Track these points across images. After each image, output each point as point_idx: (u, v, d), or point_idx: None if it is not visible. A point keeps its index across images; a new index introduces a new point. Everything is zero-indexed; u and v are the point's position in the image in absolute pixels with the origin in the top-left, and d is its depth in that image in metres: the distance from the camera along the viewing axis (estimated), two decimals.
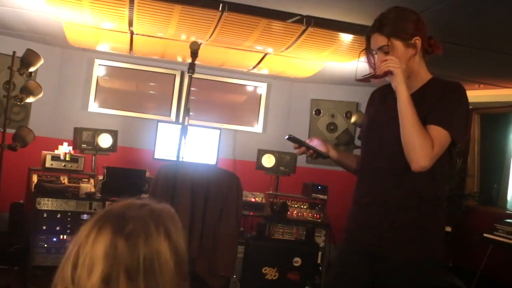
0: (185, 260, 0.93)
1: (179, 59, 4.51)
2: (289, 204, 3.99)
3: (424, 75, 1.79)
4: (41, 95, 3.69)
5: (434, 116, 1.65)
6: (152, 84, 5.07)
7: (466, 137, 1.74)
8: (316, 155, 1.88)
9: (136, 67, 4.95)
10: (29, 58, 3.62)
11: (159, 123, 4.47)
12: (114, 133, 4.23)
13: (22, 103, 3.74)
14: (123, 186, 3.82)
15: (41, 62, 3.73)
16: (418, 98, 1.70)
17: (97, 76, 4.91)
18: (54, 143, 4.19)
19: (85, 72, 4.88)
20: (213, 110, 5.12)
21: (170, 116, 5.02)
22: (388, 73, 1.68)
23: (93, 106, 4.90)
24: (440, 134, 1.63)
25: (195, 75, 4.99)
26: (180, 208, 3.19)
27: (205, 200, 3.39)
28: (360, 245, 1.80)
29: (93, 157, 4.19)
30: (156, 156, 4.44)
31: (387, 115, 1.76)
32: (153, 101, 5.04)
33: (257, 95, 5.27)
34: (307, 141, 1.91)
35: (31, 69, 3.70)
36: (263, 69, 4.48)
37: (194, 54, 2.20)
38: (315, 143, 1.91)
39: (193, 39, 3.60)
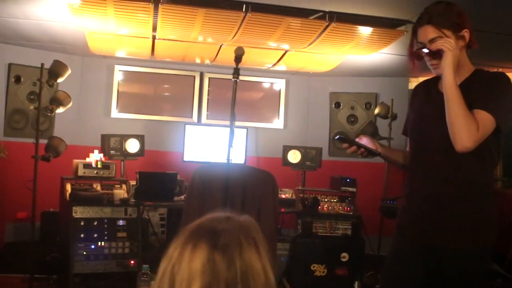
0: (271, 271, 0.94)
1: (198, 60, 4.54)
2: (319, 198, 4.00)
3: (468, 67, 1.83)
4: (70, 105, 3.74)
5: (479, 101, 1.69)
6: (172, 86, 5.11)
7: (511, 124, 1.77)
8: (367, 153, 1.92)
9: (156, 71, 5.00)
10: (57, 69, 3.68)
11: (186, 126, 4.53)
12: (141, 138, 4.28)
13: (52, 114, 3.82)
14: (155, 190, 3.87)
15: (69, 72, 3.79)
16: (464, 89, 1.73)
17: (118, 82, 4.96)
18: (81, 151, 4.28)
19: (106, 78, 4.93)
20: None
21: (192, 117, 5.06)
22: (441, 51, 1.70)
23: (115, 112, 4.96)
24: (485, 118, 1.66)
25: (212, 75, 5.22)
26: (217, 210, 3.18)
27: (242, 201, 3.32)
28: (415, 237, 1.81)
29: (122, 162, 4.23)
30: (185, 159, 4.49)
31: (434, 108, 1.80)
32: (174, 104, 5.08)
33: (275, 92, 5.30)
34: (357, 139, 1.95)
35: (59, 80, 3.78)
36: (282, 66, 4.48)
37: (238, 59, 2.22)
38: (365, 141, 1.95)
39: (214, 40, 3.62)
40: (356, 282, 3.45)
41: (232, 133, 2.47)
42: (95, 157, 3.93)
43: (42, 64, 3.58)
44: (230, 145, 2.50)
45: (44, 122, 4.45)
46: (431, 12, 1.74)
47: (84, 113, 4.88)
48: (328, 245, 3.59)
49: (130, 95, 5.04)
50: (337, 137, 1.90)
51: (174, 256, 0.90)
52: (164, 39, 3.70)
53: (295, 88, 5.27)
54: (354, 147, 1.91)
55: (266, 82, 5.22)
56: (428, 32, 1.74)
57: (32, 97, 4.53)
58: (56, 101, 3.69)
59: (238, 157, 4.50)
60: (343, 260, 3.54)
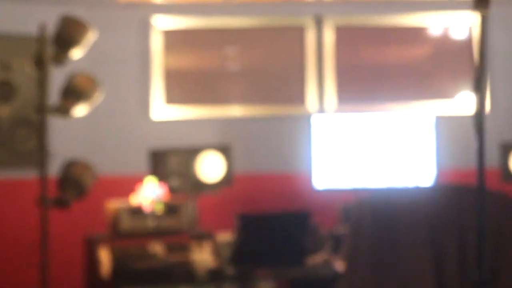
0: None
1: None
2: None
3: None
4: (97, 98, 3.68)
5: None
6: (263, 51, 5.13)
7: None
8: None
9: (230, 24, 5.01)
10: (70, 30, 3.54)
11: (312, 120, 4.54)
12: (224, 150, 4.28)
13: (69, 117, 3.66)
14: (270, 247, 3.87)
15: (90, 33, 3.61)
16: None
17: (162, 49, 4.92)
18: (113, 184, 4.37)
19: (139, 45, 4.90)
20: (379, 80, 5.12)
21: (303, 103, 5.00)
22: None
23: (161, 104, 4.92)
24: None
25: (341, 19, 5.09)
26: (421, 276, 3.04)
27: (461, 256, 3.08)
28: None
29: (191, 200, 4.21)
30: (318, 184, 4.47)
31: None
32: (267, 82, 5.11)
33: (456, 41, 5.18)
34: None
35: (76, 51, 3.58)
36: None
37: None
38: None
39: None
40: None
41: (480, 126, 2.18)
42: (149, 194, 4.01)
43: (43, 26, 3.50)
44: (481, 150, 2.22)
45: (27, 134, 4.46)
46: None
47: (104, 112, 4.63)
48: None
49: (187, 72, 5.08)
50: None
51: None
52: None
53: (501, 28, 4.98)
54: None
55: (439, 26, 5.15)
56: None
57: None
58: (74, 92, 3.57)
59: (420, 171, 4.52)
60: None
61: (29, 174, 3.80)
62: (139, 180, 4.11)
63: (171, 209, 3.99)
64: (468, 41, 5.24)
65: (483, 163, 2.34)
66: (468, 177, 3.87)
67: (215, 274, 3.78)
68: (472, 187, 3.70)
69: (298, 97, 5.05)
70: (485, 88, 2.30)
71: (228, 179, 4.32)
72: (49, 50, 3.53)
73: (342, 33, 5.05)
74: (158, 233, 3.96)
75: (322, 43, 5.00)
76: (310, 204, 4.43)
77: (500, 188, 4.16)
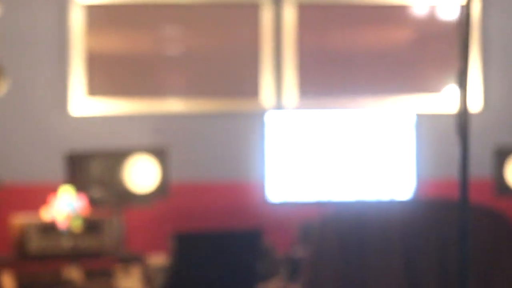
0: None
1: None
2: None
3: None
4: (3, 88, 3.76)
5: None
6: (210, 34, 5.14)
7: None
8: None
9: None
10: None
11: (266, 118, 4.50)
12: (159, 153, 4.26)
13: None
14: (214, 273, 3.85)
15: None
16: None
17: (83, 30, 4.94)
18: (22, 196, 4.39)
19: (56, 23, 4.90)
20: (350, 69, 5.19)
21: (256, 97, 5.03)
22: None
23: (82, 96, 4.93)
24: None
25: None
26: None
27: (442, 283, 3.16)
28: None
29: (116, 215, 4.18)
30: (272, 197, 4.46)
31: None
32: (213, 71, 5.14)
33: (444, 24, 5.24)
34: None
35: None
36: None
37: None
38: None
39: None
40: None
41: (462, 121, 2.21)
42: (62, 206, 3.95)
43: None
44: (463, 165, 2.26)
45: None
46: None
47: (11, 106, 4.74)
48: None
49: (114, 57, 5.10)
50: None
51: None
52: None
53: (498, 14, 5.14)
54: None
55: (424, 4, 5.25)
56: None
57: None
58: None
59: (396, 182, 4.55)
60: None
61: None
62: (52, 190, 4.06)
63: (92, 226, 3.97)
64: (459, 23, 5.15)
65: (466, 174, 2.35)
66: (455, 189, 3.91)
67: None
68: (458, 202, 3.79)
69: (250, 89, 5.07)
70: (467, 82, 2.30)
71: (163, 189, 4.30)
72: None
73: (305, 11, 5.06)
74: (75, 255, 3.93)
75: (281, 24, 5.01)
76: (262, 220, 4.43)
77: (493, 202, 4.20)
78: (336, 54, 5.15)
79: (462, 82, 2.28)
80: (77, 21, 4.97)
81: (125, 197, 4.30)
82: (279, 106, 5.01)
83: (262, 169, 4.59)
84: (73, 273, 3.91)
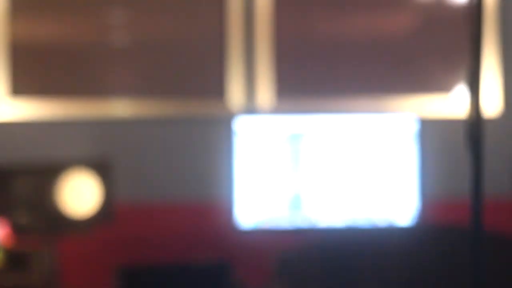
0: None
1: None
2: None
3: None
4: None
5: None
6: (159, 18, 5.18)
7: None
8: None
9: None
10: None
11: (235, 124, 4.56)
12: (100, 168, 4.29)
13: None
14: None
15: None
16: None
17: (4, 14, 4.99)
18: None
19: None
20: (337, 64, 5.24)
21: (222, 98, 5.08)
22: None
23: (3, 97, 4.99)
24: None
25: None
26: None
27: None
28: None
29: (47, 246, 4.18)
30: (242, 222, 4.53)
31: None
32: (169, 66, 5.17)
33: (455, 8, 5.32)
34: None
35: None
36: None
37: None
38: None
39: None
40: None
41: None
42: None
43: None
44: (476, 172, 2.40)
45: None
46: None
47: None
48: None
49: (44, 49, 5.09)
50: None
51: None
52: None
53: None
54: None
55: None
56: None
57: None
58: None
59: (394, 203, 4.63)
60: None
61: None
62: None
63: (16, 259, 3.97)
64: (472, 10, 5.23)
65: (480, 193, 2.38)
66: (466, 211, 3.94)
67: None
68: (470, 227, 3.82)
69: (215, 88, 5.12)
70: (479, 81, 2.33)
71: (106, 213, 4.27)
72: None
73: None
74: None
75: (253, 9, 5.07)
76: (231, 250, 4.59)
77: None
78: (320, 45, 5.17)
79: (473, 82, 2.32)
80: None
81: (58, 223, 4.22)
82: (250, 109, 5.03)
83: (230, 188, 4.63)
84: None
